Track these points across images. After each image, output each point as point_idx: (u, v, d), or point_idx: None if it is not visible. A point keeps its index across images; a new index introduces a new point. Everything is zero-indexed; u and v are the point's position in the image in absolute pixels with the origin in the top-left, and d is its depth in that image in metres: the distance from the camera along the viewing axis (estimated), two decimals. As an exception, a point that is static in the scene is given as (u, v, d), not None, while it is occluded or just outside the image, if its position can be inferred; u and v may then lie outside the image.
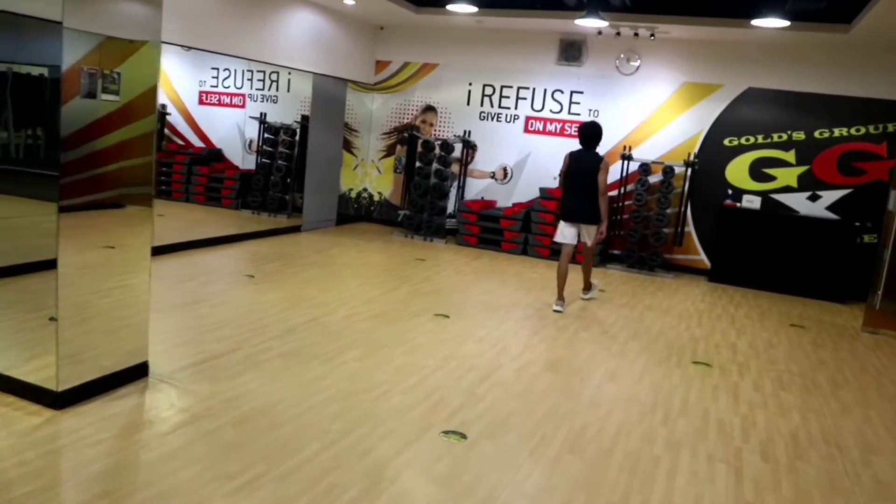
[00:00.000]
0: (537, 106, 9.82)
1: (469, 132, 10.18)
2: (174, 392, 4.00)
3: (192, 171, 11.29)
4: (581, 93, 9.58)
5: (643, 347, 5.77)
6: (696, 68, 8.98)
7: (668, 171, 8.97)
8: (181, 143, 11.93)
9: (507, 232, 9.54)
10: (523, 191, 9.92)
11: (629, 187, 9.23)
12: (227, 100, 11.58)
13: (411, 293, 6.91)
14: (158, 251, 7.56)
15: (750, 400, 4.78)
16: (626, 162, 9.18)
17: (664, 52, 9.09)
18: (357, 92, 10.84)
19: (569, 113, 9.66)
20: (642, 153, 9.25)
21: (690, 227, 9.22)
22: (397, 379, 4.52)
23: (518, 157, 9.98)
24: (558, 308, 6.66)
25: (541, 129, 9.82)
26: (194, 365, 4.44)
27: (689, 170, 8.96)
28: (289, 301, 6.18)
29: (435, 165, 9.91)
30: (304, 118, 10.24)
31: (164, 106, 11.97)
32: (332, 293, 6.60)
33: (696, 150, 9.06)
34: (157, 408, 3.80)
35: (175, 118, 11.97)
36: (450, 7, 8.38)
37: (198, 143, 11.84)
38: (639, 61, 9.23)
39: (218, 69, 11.54)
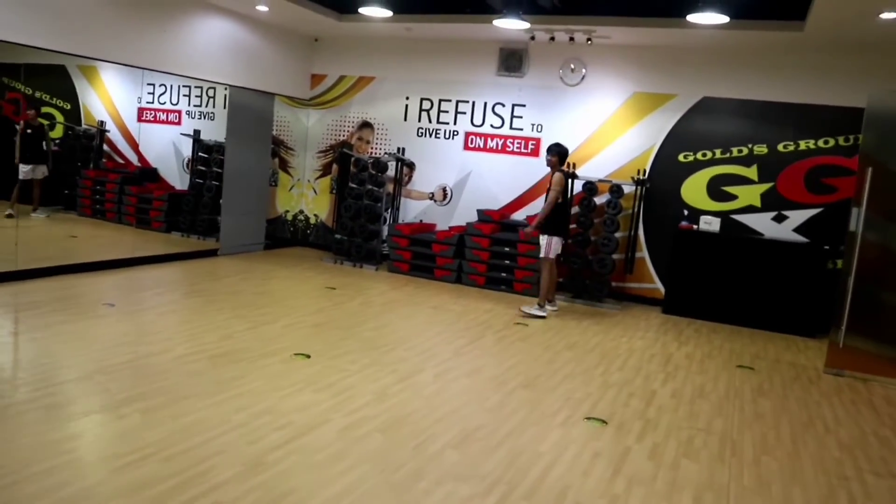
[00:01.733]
0: (477, 121, 8.94)
1: (403, 149, 9.33)
2: None
3: (124, 191, 10.56)
4: (523, 106, 8.68)
5: (532, 398, 4.79)
6: (647, 77, 8.05)
7: (616, 190, 8.01)
8: (121, 160, 11.23)
9: (440, 258, 8.62)
10: (464, 213, 9.01)
11: (573, 209, 8.27)
12: (164, 116, 10.87)
13: (287, 327, 6.02)
14: (34, 273, 6.82)
15: (635, 473, 3.76)
16: (569, 181, 8.24)
17: (611, 60, 8.18)
18: (292, 108, 10.06)
19: (510, 128, 8.77)
20: (589, 171, 8.31)
21: (644, 252, 8.23)
22: (172, 440, 3.60)
23: (458, 177, 9.09)
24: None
25: (481, 145, 8.93)
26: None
27: (641, 189, 7.99)
28: (128, 335, 5.34)
29: (367, 186, 9.06)
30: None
31: (102, 122, 11.30)
32: (188, 326, 5.74)
33: (647, 166, 8.10)
34: None
35: (114, 135, 11.27)
36: (363, 11, 7.57)
37: (136, 161, 11.13)
38: (584, 70, 8.33)
39: (154, 84, 10.85)
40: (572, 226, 8.17)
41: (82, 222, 10.67)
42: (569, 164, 8.31)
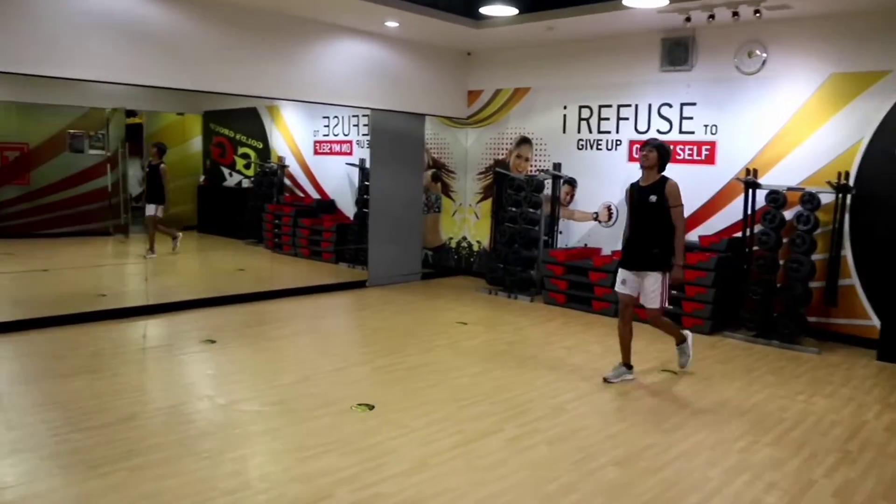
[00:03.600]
0: (642, 126, 7.69)
1: (560, 165, 8.32)
2: None
3: (297, 224, 10.72)
4: (693, 104, 7.29)
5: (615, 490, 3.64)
6: (847, 52, 6.31)
7: (810, 200, 6.34)
8: (301, 194, 11.48)
9: (598, 287, 7.46)
10: (630, 234, 7.76)
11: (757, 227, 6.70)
12: (338, 148, 10.90)
13: (376, 370, 5.36)
14: (174, 307, 6.92)
15: None
16: (750, 192, 6.71)
17: (797, 36, 6.56)
18: (451, 128, 9.51)
19: (679, 132, 7.40)
20: (774, 178, 6.71)
21: (853, 279, 6.42)
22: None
23: (623, 193, 7.85)
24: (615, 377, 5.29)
25: (647, 154, 7.65)
26: None
27: (844, 197, 6.26)
28: (202, 377, 5.04)
29: (522, 207, 8.18)
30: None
31: (282, 158, 11.67)
32: (269, 366, 5.33)
33: (853, 168, 6.33)
34: None
35: (294, 169, 11.57)
36: (485, 10, 6.81)
37: (315, 194, 11.30)
38: (764, 54, 6.76)
39: (328, 117, 10.93)
40: (754, 248, 6.62)
41: (264, 255, 11.00)
42: (748, 171, 6.79)
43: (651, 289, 5.10)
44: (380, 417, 4.35)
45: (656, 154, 5.09)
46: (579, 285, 7.64)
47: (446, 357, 5.76)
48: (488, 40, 8.25)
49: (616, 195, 7.89)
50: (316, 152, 11.23)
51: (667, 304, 5.20)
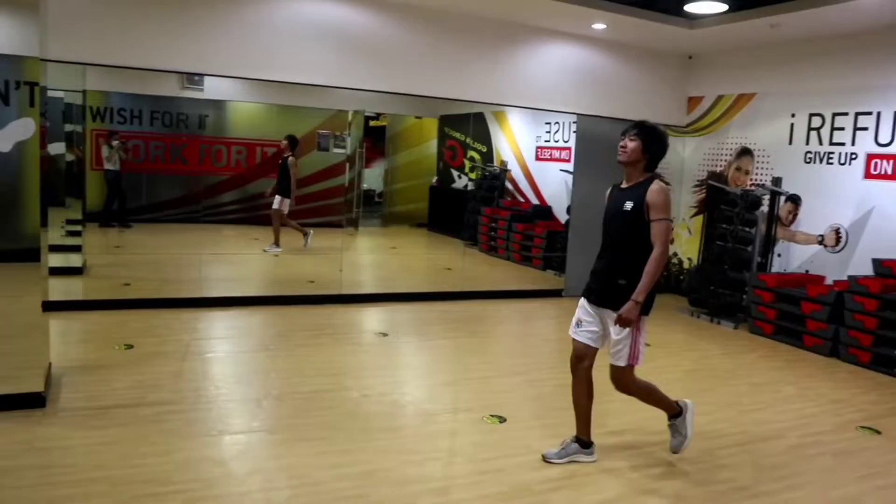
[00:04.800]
0: (883, 137, 6.60)
1: (780, 179, 7.42)
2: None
3: (512, 228, 10.77)
4: (950, 112, 6.11)
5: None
6: None
7: None
8: (521, 199, 11.52)
9: (810, 321, 6.55)
10: (861, 262, 6.71)
11: None
12: (557, 154, 10.77)
13: (523, 383, 5.20)
14: (367, 299, 7.31)
15: None
16: None
17: None
18: (669, 137, 8.91)
19: (931, 144, 6.25)
20: None
21: None
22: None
23: (856, 215, 6.82)
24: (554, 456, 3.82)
25: (889, 171, 6.56)
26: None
27: None
28: (354, 367, 5.24)
29: (735, 225, 7.45)
30: (594, 168, 8.82)
31: (505, 162, 11.79)
32: (426, 366, 5.46)
33: None
34: None
35: (517, 174, 11.64)
36: (689, 8, 6.27)
37: (534, 199, 11.28)
38: None
39: (550, 123, 10.84)
40: None
41: (477, 257, 11.20)
42: None
43: (616, 337, 3.63)
44: (504, 433, 4.21)
45: (639, 144, 3.59)
46: (790, 316, 6.77)
47: (606, 379, 5.41)
48: (708, 42, 7.62)
49: (848, 217, 6.87)
50: (537, 158, 11.19)
51: (639, 361, 3.67)
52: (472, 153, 12.67)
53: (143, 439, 3.77)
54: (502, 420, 4.37)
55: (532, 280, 9.53)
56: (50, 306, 6.01)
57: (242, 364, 5.32)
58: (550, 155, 10.88)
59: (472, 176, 12.55)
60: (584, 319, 3.78)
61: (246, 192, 12.51)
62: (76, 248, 8.08)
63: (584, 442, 3.86)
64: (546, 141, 10.98)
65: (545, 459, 3.81)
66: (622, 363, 3.64)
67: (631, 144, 3.61)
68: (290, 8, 6.42)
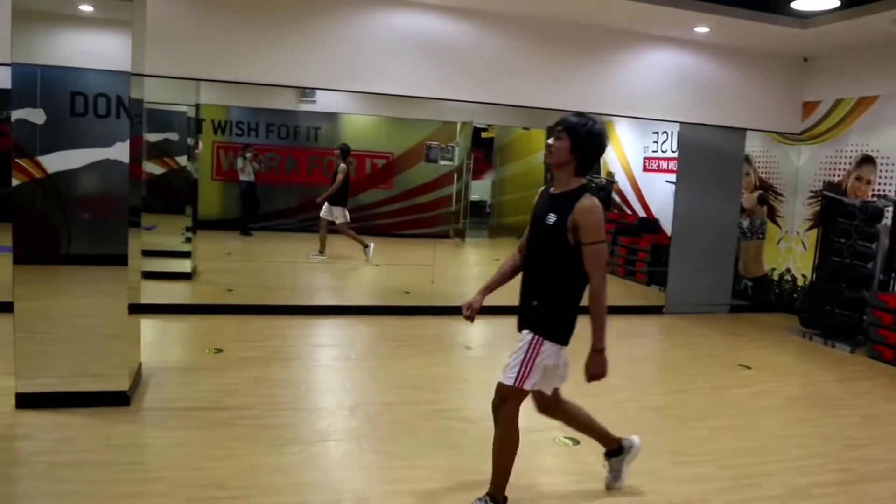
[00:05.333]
0: None
1: (903, 190, 6.79)
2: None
3: (616, 242, 10.45)
4: None
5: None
6: None
7: None
8: (629, 211, 11.17)
9: (936, 346, 5.94)
10: None
11: None
12: (665, 165, 10.37)
13: (603, 404, 4.96)
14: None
15: None
16: None
17: None
18: (782, 145, 8.38)
19: None
20: None
21: None
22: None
23: None
24: None
25: None
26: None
27: None
28: (421, 381, 5.25)
29: (853, 239, 6.89)
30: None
31: (611, 174, 11.47)
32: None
33: None
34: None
35: (623, 185, 11.31)
36: (796, 6, 5.85)
37: (642, 212, 10.92)
38: None
39: (657, 133, 10.46)
40: None
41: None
42: None
43: (515, 353, 3.18)
44: (576, 456, 4.05)
45: (567, 143, 3.03)
46: (914, 341, 6.18)
47: (695, 403, 5.12)
48: (823, 41, 7.10)
49: (983, 232, 6.20)
50: (645, 169, 10.81)
51: (527, 385, 3.16)
52: (578, 164, 12.40)
53: (212, 443, 3.88)
54: (576, 442, 4.19)
55: (633, 295, 9.19)
56: (154, 309, 6.39)
57: (323, 373, 5.41)
58: (658, 166, 10.48)
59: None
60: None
61: (356, 203, 12.80)
62: (188, 255, 8.51)
63: (616, 450, 3.60)
64: (654, 151, 10.60)
65: (608, 488, 3.62)
66: (508, 382, 3.15)
67: (557, 144, 3.05)
68: (389, 21, 6.53)
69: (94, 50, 4.18)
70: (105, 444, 3.78)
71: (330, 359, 5.78)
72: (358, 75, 6.50)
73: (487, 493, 3.25)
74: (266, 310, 6.97)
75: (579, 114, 3.10)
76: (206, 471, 3.53)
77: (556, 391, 3.40)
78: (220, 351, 5.59)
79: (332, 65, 6.39)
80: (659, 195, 10.39)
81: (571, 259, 3.05)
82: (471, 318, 3.35)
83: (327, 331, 6.63)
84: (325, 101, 11.06)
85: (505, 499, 3.27)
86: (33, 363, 4.15)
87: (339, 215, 9.96)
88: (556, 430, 4.35)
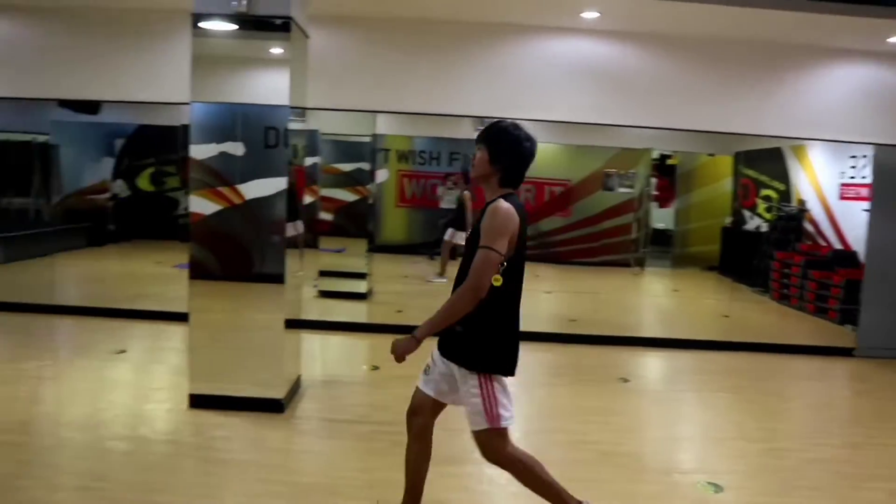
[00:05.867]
0: None
1: None
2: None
3: (806, 275, 9.67)
4: None
5: None
6: None
7: None
8: (823, 242, 10.32)
9: None
10: None
11: None
12: (864, 192, 9.47)
13: (764, 451, 4.63)
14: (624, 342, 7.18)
15: None
16: None
17: None
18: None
19: None
20: None
21: None
22: None
23: None
24: None
25: None
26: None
27: None
28: (565, 411, 5.19)
29: None
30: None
31: (803, 202, 10.66)
32: (644, 417, 5.10)
33: None
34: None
35: (817, 214, 10.46)
36: None
37: (837, 243, 10.04)
38: None
39: (856, 156, 9.59)
40: None
41: (763, 305, 10.25)
42: None
43: (470, 397, 2.92)
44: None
45: (485, 154, 2.92)
46: None
47: (872, 460, 4.63)
48: None
49: None
50: (842, 196, 9.94)
51: (503, 422, 2.92)
52: (766, 192, 11.66)
53: (351, 455, 4.12)
54: (718, 489, 3.96)
55: (821, 335, 8.45)
56: (326, 326, 6.86)
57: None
58: (857, 193, 9.59)
59: (767, 216, 11.53)
60: (431, 367, 3.12)
61: (536, 230, 12.89)
62: (364, 276, 9.00)
63: None
64: (851, 177, 9.72)
65: None
66: (480, 427, 2.93)
67: (477, 156, 2.95)
68: (562, 47, 6.62)
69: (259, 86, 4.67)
70: (249, 445, 4.16)
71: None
72: (530, 104, 6.62)
73: None
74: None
75: (496, 123, 2.97)
76: (340, 480, 3.77)
77: (437, 403, 3.14)
78: (376, 368, 5.87)
79: (485, 92, 6.58)
80: (858, 225, 9.48)
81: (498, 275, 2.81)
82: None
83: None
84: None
85: None
86: (204, 368, 4.65)
87: (458, 238, 10.18)
88: (698, 473, 4.15)
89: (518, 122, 3.02)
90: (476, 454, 3.03)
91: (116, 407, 4.77)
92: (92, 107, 9.30)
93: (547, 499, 3.10)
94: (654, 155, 13.13)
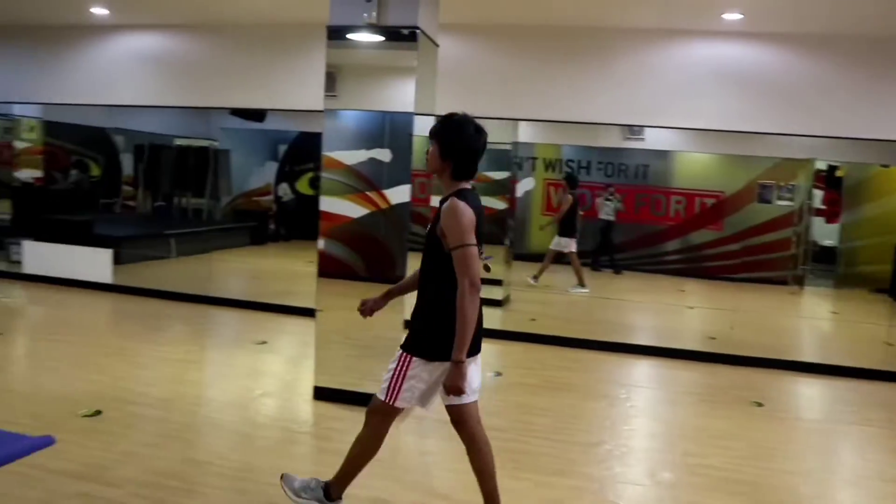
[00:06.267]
0: None
1: None
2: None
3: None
4: None
5: None
6: None
7: None
8: None
9: None
10: None
11: None
12: None
13: (891, 495, 4.21)
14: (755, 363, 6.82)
15: None
16: None
17: None
18: None
19: None
20: None
21: None
22: None
23: None
24: None
25: None
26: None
27: None
28: (684, 431, 4.96)
29: None
30: None
31: None
32: (778, 448, 4.79)
33: None
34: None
35: None
36: None
37: None
38: None
39: None
40: None
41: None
42: None
43: (387, 371, 3.10)
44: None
45: (437, 149, 2.95)
46: None
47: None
48: None
49: None
50: None
51: (397, 402, 3.08)
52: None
53: (455, 456, 4.12)
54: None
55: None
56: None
57: (585, 408, 5.39)
58: None
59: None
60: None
61: (686, 243, 12.46)
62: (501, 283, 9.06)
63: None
64: None
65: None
66: (380, 396, 3.13)
67: (430, 151, 3.00)
68: (705, 52, 6.50)
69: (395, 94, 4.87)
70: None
71: (600, 395, 5.74)
72: (674, 111, 6.54)
73: (327, 481, 3.30)
74: (558, 341, 7.14)
75: (447, 117, 3.00)
76: (439, 480, 3.84)
77: (460, 409, 3.16)
78: (499, 374, 5.91)
79: (622, 100, 6.49)
80: None
81: (447, 268, 2.88)
82: (363, 314, 3.38)
83: (610, 367, 6.58)
84: (652, 139, 10.97)
85: (340, 497, 3.31)
86: (329, 363, 4.89)
87: (568, 245, 9.94)
88: None
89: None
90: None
91: (246, 392, 5.15)
92: (258, 115, 10.09)
93: (344, 477, 3.30)
94: (821, 166, 12.23)
